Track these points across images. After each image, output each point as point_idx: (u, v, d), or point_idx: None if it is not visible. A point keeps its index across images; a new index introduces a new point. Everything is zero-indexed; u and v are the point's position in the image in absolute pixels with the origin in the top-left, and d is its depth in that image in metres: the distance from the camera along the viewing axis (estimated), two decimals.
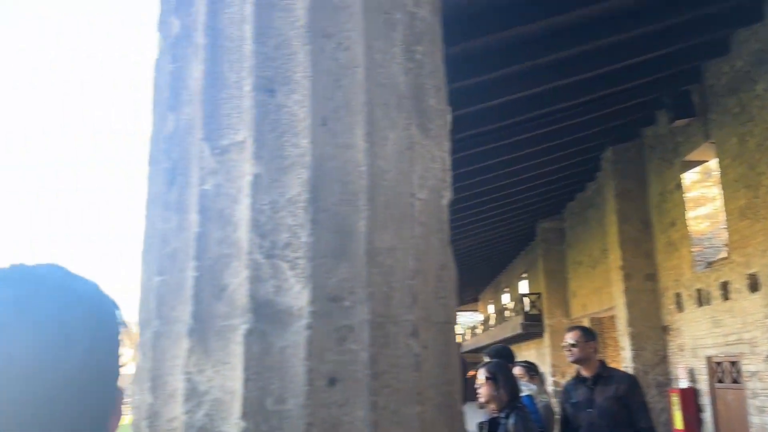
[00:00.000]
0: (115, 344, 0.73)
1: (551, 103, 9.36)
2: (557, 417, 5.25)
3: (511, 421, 4.20)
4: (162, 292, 1.10)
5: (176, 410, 1.03)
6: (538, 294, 20.58)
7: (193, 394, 1.02)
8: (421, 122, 1.21)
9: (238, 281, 1.05)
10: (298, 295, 1.03)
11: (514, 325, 21.91)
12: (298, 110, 1.10)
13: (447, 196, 1.24)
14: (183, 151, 1.15)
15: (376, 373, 1.03)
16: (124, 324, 0.75)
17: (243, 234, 1.06)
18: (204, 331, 1.04)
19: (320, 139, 1.10)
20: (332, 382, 1.01)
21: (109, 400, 0.73)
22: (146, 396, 1.06)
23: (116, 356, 0.72)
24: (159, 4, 1.33)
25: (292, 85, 1.11)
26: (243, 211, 1.07)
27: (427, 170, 1.20)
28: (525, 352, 20.61)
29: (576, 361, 4.95)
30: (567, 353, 5.00)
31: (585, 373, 4.91)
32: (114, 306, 0.75)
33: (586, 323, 15.70)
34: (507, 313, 24.85)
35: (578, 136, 11.77)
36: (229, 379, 1.00)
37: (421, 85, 1.23)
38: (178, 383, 1.03)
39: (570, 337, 4.95)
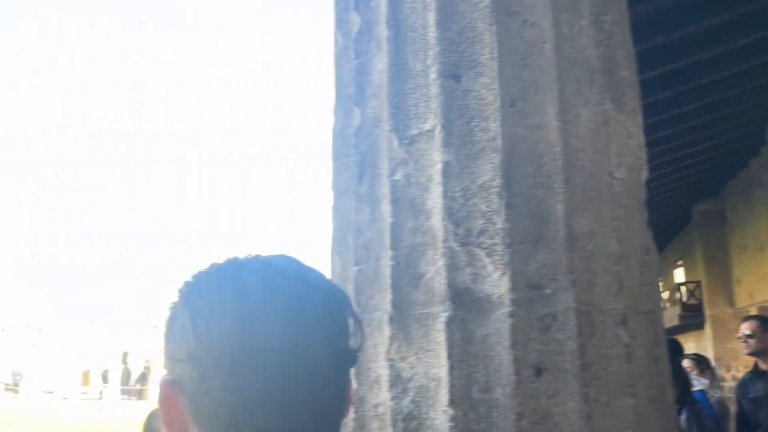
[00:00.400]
0: (347, 331, 0.74)
1: (708, 73, 8.58)
2: (731, 413, 4.83)
3: (683, 417, 3.91)
4: (359, 281, 1.12)
5: (381, 396, 1.05)
6: (697, 282, 19.01)
7: (397, 381, 1.03)
8: (615, 96, 1.14)
9: (434, 269, 1.04)
10: (497, 283, 1.01)
11: (670, 317, 20.46)
12: (485, 93, 1.08)
13: (645, 174, 1.16)
14: (371, 143, 1.17)
15: (585, 363, 0.98)
16: (353, 312, 0.76)
17: (436, 222, 1.06)
18: (404, 319, 1.05)
19: (510, 121, 1.07)
20: (539, 371, 0.97)
21: (346, 385, 0.75)
22: None
23: (348, 343, 0.74)
24: (335, 4, 1.36)
25: (478, 68, 1.09)
26: (435, 200, 1.07)
27: (624, 147, 1.13)
28: (683, 345, 19.13)
29: (753, 354, 4.50)
30: (743, 345, 4.57)
31: (764, 366, 4.46)
32: (343, 294, 0.77)
33: (753, 313, 14.29)
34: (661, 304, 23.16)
35: (740, 108, 10.70)
36: (433, 366, 1.00)
37: (612, 57, 1.15)
38: (381, 370, 1.05)
39: (746, 328, 4.52)
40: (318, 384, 0.69)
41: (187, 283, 0.75)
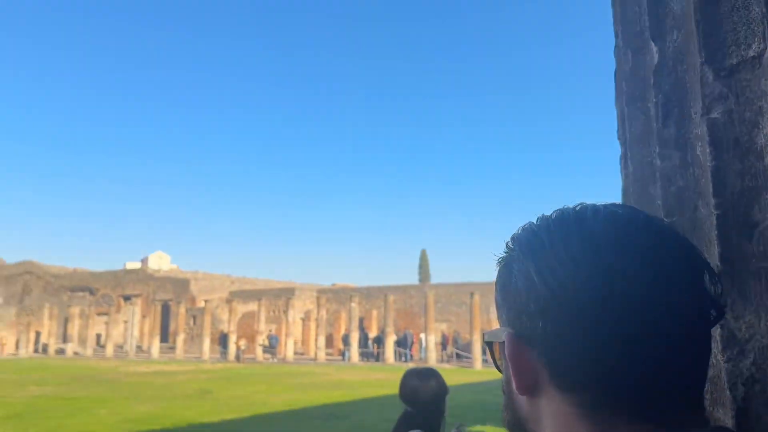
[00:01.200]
0: (705, 285, 0.67)
1: None
2: None
3: None
4: None
5: (712, 358, 0.95)
6: None
7: (731, 342, 0.93)
8: None
9: None
10: None
11: None
12: None
13: None
14: (675, 81, 1.05)
15: None
16: (708, 264, 0.68)
17: None
18: (737, 274, 0.93)
19: None
20: None
21: (710, 343, 0.68)
22: None
23: (710, 297, 0.66)
24: None
25: None
26: None
27: None
28: None
29: None
30: None
31: None
32: (694, 245, 0.70)
33: None
34: None
35: None
36: None
37: None
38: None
39: None
40: (685, 341, 0.63)
41: (518, 237, 0.72)
